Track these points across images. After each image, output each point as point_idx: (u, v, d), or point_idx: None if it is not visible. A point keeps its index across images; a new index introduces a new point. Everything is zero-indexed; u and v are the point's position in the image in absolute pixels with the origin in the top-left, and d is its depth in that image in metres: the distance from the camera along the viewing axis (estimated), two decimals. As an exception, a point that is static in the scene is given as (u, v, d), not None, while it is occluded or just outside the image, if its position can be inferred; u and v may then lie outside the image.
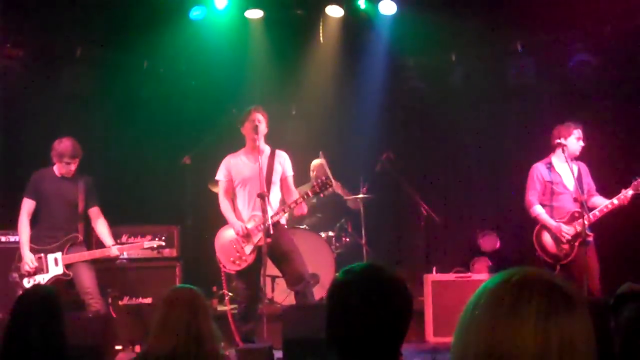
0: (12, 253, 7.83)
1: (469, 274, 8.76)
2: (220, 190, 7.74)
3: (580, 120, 8.11)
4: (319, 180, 7.50)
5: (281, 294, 8.80)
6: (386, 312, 2.40)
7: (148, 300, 8.60)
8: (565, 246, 7.82)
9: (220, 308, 9.06)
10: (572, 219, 7.84)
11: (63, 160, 7.61)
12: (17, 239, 7.82)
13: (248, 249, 7.33)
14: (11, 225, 8.09)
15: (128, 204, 9.66)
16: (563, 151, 7.84)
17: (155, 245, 7.93)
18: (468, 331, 1.71)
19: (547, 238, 7.95)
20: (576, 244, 7.77)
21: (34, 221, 7.72)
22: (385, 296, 2.42)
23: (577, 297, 1.69)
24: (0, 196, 8.83)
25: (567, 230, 7.78)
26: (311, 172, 10.15)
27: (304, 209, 7.82)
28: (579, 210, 7.77)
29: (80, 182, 7.76)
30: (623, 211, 7.79)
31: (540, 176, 8.08)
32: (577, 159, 8.03)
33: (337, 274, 2.56)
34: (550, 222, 7.92)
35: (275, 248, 7.29)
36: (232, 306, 8.24)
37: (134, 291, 8.63)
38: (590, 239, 7.77)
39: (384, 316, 2.39)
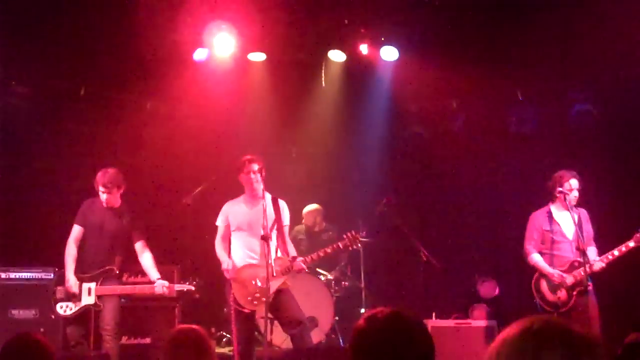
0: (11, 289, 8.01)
1: (469, 320, 8.73)
2: (218, 234, 7.77)
3: (580, 168, 8.15)
4: (349, 235, 7.56)
5: (279, 337, 8.74)
6: (411, 357, 2.40)
7: (147, 341, 8.56)
8: (563, 294, 7.83)
9: (218, 350, 9.00)
10: (571, 268, 7.85)
11: (98, 189, 7.66)
12: (14, 276, 7.95)
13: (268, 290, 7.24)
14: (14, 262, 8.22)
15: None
16: (564, 199, 7.87)
17: (185, 289, 7.80)
18: None
19: (544, 286, 7.98)
20: (574, 292, 7.78)
21: (79, 248, 7.76)
22: (410, 342, 2.42)
23: (597, 344, 1.71)
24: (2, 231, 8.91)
25: (565, 278, 7.78)
26: (303, 220, 10.21)
27: (305, 266, 7.72)
28: (579, 259, 7.79)
29: (125, 215, 7.81)
30: (623, 261, 7.80)
31: (539, 225, 8.13)
32: (577, 206, 8.05)
33: (359, 322, 2.53)
34: (547, 269, 7.95)
35: (276, 294, 7.27)
36: (229, 348, 8.21)
37: (134, 331, 8.58)
38: (590, 288, 7.76)
39: None
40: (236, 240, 7.66)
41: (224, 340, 9.47)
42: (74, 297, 7.57)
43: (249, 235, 7.55)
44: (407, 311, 2.53)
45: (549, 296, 7.94)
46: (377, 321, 2.47)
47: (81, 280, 7.60)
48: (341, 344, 9.38)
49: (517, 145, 10.31)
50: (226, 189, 8.10)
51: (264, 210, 7.25)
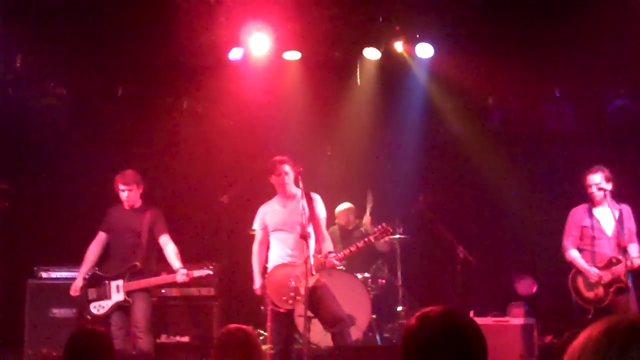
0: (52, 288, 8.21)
1: (507, 318, 8.68)
2: (256, 239, 7.83)
3: (619, 164, 8.10)
4: (380, 227, 7.61)
5: (317, 335, 8.75)
6: (465, 355, 2.39)
7: (185, 339, 8.63)
8: (600, 291, 7.75)
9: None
10: (609, 265, 7.77)
11: (119, 190, 7.98)
12: (56, 275, 8.26)
13: (302, 289, 7.27)
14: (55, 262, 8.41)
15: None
16: (605, 195, 7.82)
17: (203, 275, 8.01)
18: None
19: (581, 282, 7.92)
20: (611, 289, 7.70)
21: (107, 252, 8.14)
22: (463, 342, 2.40)
23: None
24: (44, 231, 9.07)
25: (602, 276, 7.71)
26: (335, 219, 10.20)
27: (337, 262, 7.75)
28: (618, 256, 7.73)
29: (146, 213, 8.06)
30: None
31: (577, 221, 8.07)
32: (619, 202, 7.98)
33: (410, 321, 2.52)
34: (584, 265, 7.89)
35: (311, 291, 7.27)
36: (266, 347, 8.23)
37: (172, 329, 8.66)
38: (625, 285, 7.67)
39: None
40: (274, 240, 7.69)
41: (261, 338, 9.49)
42: (104, 297, 7.84)
43: (286, 234, 7.58)
44: (459, 310, 2.52)
45: (586, 293, 7.88)
46: (429, 320, 2.45)
47: (109, 279, 7.88)
48: (378, 341, 9.39)
49: (554, 141, 10.23)
50: (262, 187, 8.11)
51: (300, 208, 7.28)
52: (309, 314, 7.37)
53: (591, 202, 8.00)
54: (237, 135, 10.30)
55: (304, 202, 7.37)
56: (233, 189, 9.31)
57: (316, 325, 7.93)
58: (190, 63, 9.58)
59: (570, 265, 8.05)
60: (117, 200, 8.06)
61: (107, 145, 9.86)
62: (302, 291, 7.21)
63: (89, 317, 7.86)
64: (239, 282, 8.82)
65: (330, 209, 8.27)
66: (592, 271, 7.80)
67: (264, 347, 8.23)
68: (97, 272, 8.00)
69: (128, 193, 7.97)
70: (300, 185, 7.43)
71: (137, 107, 9.99)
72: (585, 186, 7.96)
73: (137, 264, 7.86)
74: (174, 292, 8.81)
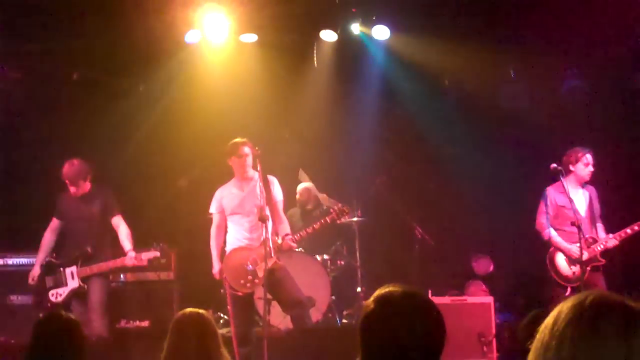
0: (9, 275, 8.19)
1: (465, 297, 8.79)
2: (213, 223, 7.85)
3: (572, 144, 8.21)
4: (336, 208, 7.66)
5: (278, 317, 8.78)
6: (425, 337, 2.40)
7: (145, 324, 8.62)
8: (577, 269, 7.88)
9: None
10: (586, 244, 7.87)
11: (66, 183, 8.01)
12: (13, 262, 8.23)
13: (261, 272, 7.28)
14: (12, 248, 8.36)
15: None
16: (584, 175, 7.97)
17: (152, 257, 8.03)
18: (547, 349, 1.76)
19: (559, 260, 8.05)
20: (588, 268, 7.86)
21: (61, 238, 8.20)
22: (422, 323, 2.40)
23: None
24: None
25: (582, 253, 7.81)
26: (297, 196, 10.21)
27: (294, 244, 7.76)
28: (593, 236, 7.89)
29: (96, 197, 8.11)
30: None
31: (553, 200, 8.17)
32: (587, 183, 8.13)
33: (368, 303, 2.50)
34: (564, 244, 8.02)
35: (270, 274, 7.28)
36: (227, 329, 8.25)
37: (131, 314, 8.65)
38: (601, 265, 7.88)
39: (423, 342, 2.38)
40: (232, 224, 7.71)
41: (221, 321, 9.51)
42: (60, 284, 7.90)
43: (243, 218, 7.60)
44: (417, 290, 2.51)
45: (564, 270, 8.01)
46: (387, 302, 2.44)
47: (63, 266, 7.93)
48: (338, 323, 9.45)
49: (510, 121, 10.33)
50: (220, 171, 8.10)
51: (258, 191, 7.30)
52: (269, 296, 7.41)
53: (566, 179, 7.97)
54: (194, 118, 10.21)
55: (261, 184, 7.38)
56: (191, 173, 9.27)
57: (276, 308, 7.97)
58: (146, 46, 9.47)
59: (546, 244, 8.14)
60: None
61: (63, 130, 9.74)
62: (261, 274, 7.23)
63: (48, 304, 7.87)
64: (198, 266, 8.79)
65: (288, 192, 8.28)
66: (573, 248, 7.89)
67: (224, 330, 8.28)
68: (52, 259, 8.03)
69: (73, 188, 8.03)
70: (258, 168, 7.44)
71: (93, 91, 9.87)
72: (571, 161, 8.03)
73: (89, 249, 7.90)
74: (134, 277, 8.79)
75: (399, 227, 9.95)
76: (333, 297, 9.36)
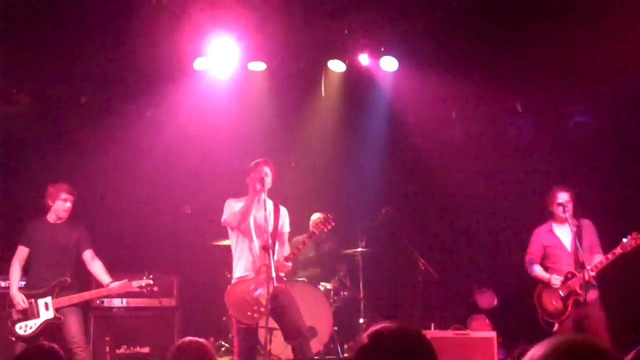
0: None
1: (467, 331, 8.72)
2: (230, 229, 7.63)
3: (578, 179, 8.23)
4: (321, 217, 7.68)
5: (279, 347, 8.73)
6: None
7: (146, 350, 8.57)
8: (559, 303, 7.92)
9: (217, 360, 8.98)
10: (565, 279, 7.94)
11: (60, 197, 7.77)
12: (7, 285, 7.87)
13: (264, 300, 7.19)
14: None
15: (126, 253, 9.58)
16: (563, 212, 7.97)
17: (143, 284, 7.80)
18: None
19: (544, 297, 8.14)
20: (569, 302, 7.85)
21: (28, 268, 7.78)
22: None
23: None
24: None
25: (558, 280, 7.92)
26: (311, 227, 10.15)
27: (288, 266, 7.67)
28: (572, 271, 7.90)
29: (72, 228, 7.88)
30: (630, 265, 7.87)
31: (539, 241, 8.35)
32: (580, 217, 8.14)
33: (363, 338, 2.51)
34: (544, 275, 8.16)
35: (275, 301, 7.22)
36: (228, 357, 8.20)
37: (132, 340, 8.59)
38: (582, 298, 7.72)
39: None
40: (240, 246, 7.51)
41: (223, 349, 9.46)
42: (31, 315, 7.51)
43: (252, 242, 7.46)
44: (412, 328, 2.51)
45: (548, 307, 8.10)
46: (381, 338, 2.45)
47: (35, 296, 7.56)
48: (340, 354, 9.39)
49: (516, 156, 10.33)
50: (226, 198, 8.07)
51: (267, 218, 7.22)
52: (273, 324, 7.36)
53: (553, 219, 8.15)
54: (200, 145, 10.25)
55: (269, 209, 7.32)
56: (195, 199, 9.27)
57: (278, 337, 7.91)
58: (154, 72, 9.51)
59: (533, 279, 8.21)
60: (40, 212, 7.90)
61: (69, 154, 9.76)
62: (264, 301, 7.14)
63: (13, 338, 7.49)
64: (200, 293, 8.77)
65: (293, 219, 8.23)
66: (553, 278, 8.02)
67: (225, 358, 8.22)
68: (21, 290, 7.65)
69: (70, 204, 7.85)
70: (264, 196, 7.40)
71: (101, 116, 9.90)
72: (549, 202, 8.10)
73: (67, 279, 7.66)
74: (135, 302, 8.73)
75: (403, 259, 9.90)
76: (335, 328, 9.31)
